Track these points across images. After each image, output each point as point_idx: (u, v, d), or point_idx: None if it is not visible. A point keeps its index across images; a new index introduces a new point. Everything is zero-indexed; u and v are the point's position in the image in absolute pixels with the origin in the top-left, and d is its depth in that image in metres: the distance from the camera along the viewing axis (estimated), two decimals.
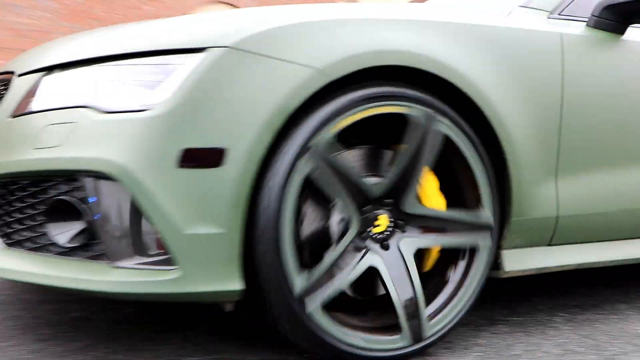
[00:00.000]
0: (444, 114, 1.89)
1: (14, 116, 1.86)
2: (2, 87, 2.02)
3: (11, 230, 1.86)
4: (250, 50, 1.69)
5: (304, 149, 1.71)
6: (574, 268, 2.31)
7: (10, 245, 1.85)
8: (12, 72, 2.00)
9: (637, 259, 2.47)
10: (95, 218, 1.67)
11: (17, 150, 1.80)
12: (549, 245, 2.23)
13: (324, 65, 1.72)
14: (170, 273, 1.63)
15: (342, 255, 1.80)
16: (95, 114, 1.68)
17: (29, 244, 1.81)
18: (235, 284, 1.67)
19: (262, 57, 1.69)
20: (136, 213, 1.65)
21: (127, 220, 1.66)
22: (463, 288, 1.98)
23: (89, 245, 1.71)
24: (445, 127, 1.89)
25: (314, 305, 1.73)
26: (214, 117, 1.64)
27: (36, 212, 1.79)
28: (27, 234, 1.82)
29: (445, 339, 2.06)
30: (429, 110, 1.86)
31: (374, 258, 1.85)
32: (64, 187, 1.73)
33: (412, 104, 1.84)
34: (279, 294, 1.69)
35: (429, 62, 1.85)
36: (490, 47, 2.02)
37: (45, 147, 1.72)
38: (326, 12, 1.83)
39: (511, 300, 2.71)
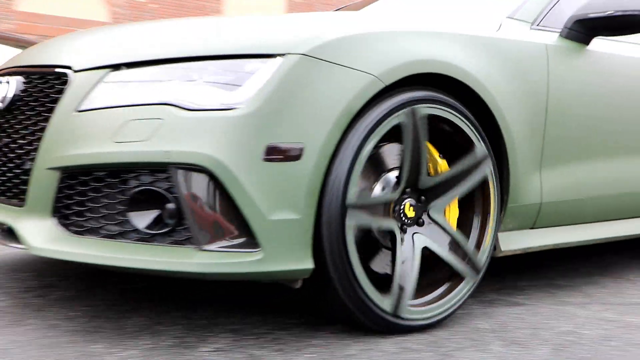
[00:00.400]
0: (464, 115, 2.26)
1: (81, 111, 1.98)
2: (56, 82, 2.10)
3: (81, 219, 1.97)
4: (321, 58, 1.95)
5: (362, 144, 2.00)
6: (551, 248, 2.71)
7: (80, 233, 1.96)
8: (63, 66, 2.09)
9: (605, 238, 2.97)
10: (182, 206, 1.85)
11: (94, 144, 1.92)
12: (532, 228, 2.64)
13: (380, 73, 2.02)
14: (254, 255, 1.86)
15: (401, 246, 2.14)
16: (180, 111, 1.86)
17: (104, 232, 1.93)
18: (308, 264, 1.93)
19: (331, 64, 1.96)
20: (222, 201, 1.85)
21: (214, 208, 1.85)
22: (489, 219, 2.36)
23: (172, 232, 1.88)
24: (465, 125, 2.25)
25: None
26: (292, 117, 1.88)
27: (114, 201, 1.92)
28: (102, 222, 1.94)
29: (280, 341, 2.10)
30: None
31: (420, 238, 2.20)
32: (148, 178, 1.89)
33: (442, 107, 2.20)
34: (342, 273, 1.98)
35: (458, 70, 2.24)
36: (497, 56, 2.41)
37: (129, 141, 1.88)
38: (379, 23, 2.18)
39: None
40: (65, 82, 2.05)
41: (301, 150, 1.87)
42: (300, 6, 16.56)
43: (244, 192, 1.82)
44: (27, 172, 2.05)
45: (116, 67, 2.00)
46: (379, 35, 2.08)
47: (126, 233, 1.91)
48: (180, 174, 1.84)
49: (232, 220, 1.86)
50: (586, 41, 2.73)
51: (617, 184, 2.92)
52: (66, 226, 1.98)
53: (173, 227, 1.88)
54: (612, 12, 2.62)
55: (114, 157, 1.89)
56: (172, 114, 1.86)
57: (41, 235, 1.98)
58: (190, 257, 1.85)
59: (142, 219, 1.89)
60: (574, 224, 2.83)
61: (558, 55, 2.60)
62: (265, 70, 1.89)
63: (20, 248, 2.03)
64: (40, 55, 2.27)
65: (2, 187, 2.18)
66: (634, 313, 2.57)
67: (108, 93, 1.97)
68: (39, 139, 2.03)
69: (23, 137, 2.11)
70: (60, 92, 2.04)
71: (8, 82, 2.21)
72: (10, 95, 2.17)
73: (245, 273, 1.87)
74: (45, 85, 2.11)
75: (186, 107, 1.86)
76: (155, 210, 1.88)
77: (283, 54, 1.91)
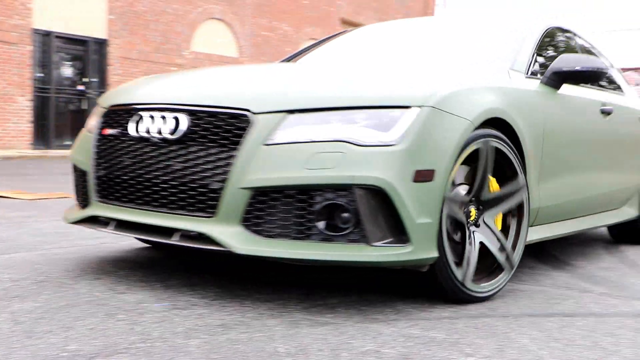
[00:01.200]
0: (513, 150, 3.16)
1: (268, 144, 2.62)
2: (235, 121, 2.68)
3: (272, 225, 2.61)
4: (441, 109, 2.77)
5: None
6: (540, 241, 3.68)
7: (271, 236, 2.60)
8: (242, 109, 2.68)
9: (579, 230, 4.22)
10: (358, 214, 2.56)
11: (286, 170, 2.57)
12: (531, 226, 3.50)
13: (472, 118, 2.88)
14: (406, 248, 2.63)
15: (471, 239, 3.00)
16: (354, 147, 2.58)
17: (293, 235, 2.59)
18: (435, 253, 2.73)
19: (447, 113, 2.78)
20: (386, 210, 2.60)
21: (381, 215, 2.60)
22: (521, 230, 3.26)
23: (349, 233, 2.59)
24: (512, 157, 3.16)
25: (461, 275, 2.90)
26: (428, 150, 2.67)
27: (303, 211, 2.59)
28: (292, 227, 2.59)
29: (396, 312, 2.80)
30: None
31: (477, 235, 3.04)
32: (331, 195, 2.58)
33: (501, 142, 3.09)
34: (441, 254, 2.79)
35: (506, 115, 3.16)
36: (518, 101, 3.34)
37: (319, 167, 2.55)
38: (465, 80, 3.07)
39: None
40: (247, 122, 2.66)
41: (434, 172, 2.67)
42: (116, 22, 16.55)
43: (403, 204, 2.59)
44: (216, 191, 2.63)
45: (291, 112, 2.68)
46: (469, 90, 2.98)
47: (312, 235, 2.60)
48: (359, 191, 2.57)
49: (392, 223, 2.62)
50: (558, 87, 3.77)
51: (584, 190, 4.13)
52: (257, 232, 2.62)
53: (349, 230, 2.60)
54: (579, 68, 3.68)
55: (308, 180, 2.56)
56: (349, 149, 2.58)
57: (238, 239, 2.60)
58: (363, 251, 2.59)
59: (326, 225, 2.61)
60: (557, 221, 3.92)
61: (545, 97, 3.62)
62: (406, 117, 2.67)
63: (218, 250, 2.62)
64: (204, 98, 2.80)
65: (184, 202, 2.72)
66: (438, 328, 2.56)
67: (289, 132, 2.64)
68: (227, 165, 2.62)
69: (205, 164, 2.67)
70: (243, 129, 2.64)
71: (176, 118, 2.77)
72: (183, 129, 2.73)
73: (401, 261, 2.64)
74: (223, 123, 2.68)
75: (357, 143, 2.59)
76: (336, 217, 2.61)
77: (419, 106, 2.71)
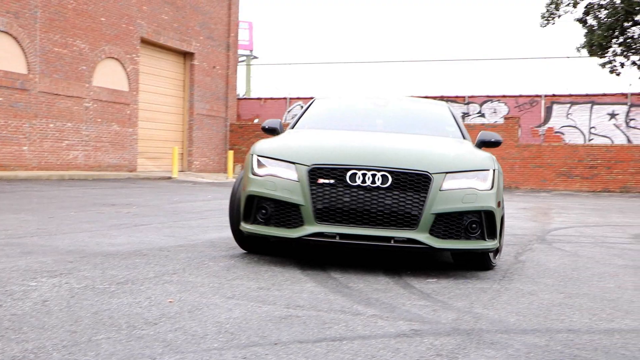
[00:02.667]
0: None
1: (442, 190, 4.84)
2: (422, 178, 4.85)
3: (444, 232, 4.84)
4: (499, 169, 5.41)
5: None
6: None
7: (443, 238, 4.83)
8: (424, 171, 4.88)
9: None
10: (482, 225, 4.94)
11: (454, 204, 4.86)
12: None
13: (499, 169, 5.42)
14: (496, 241, 5.05)
15: None
16: (477, 191, 4.94)
17: (456, 236, 4.86)
18: (498, 244, 5.25)
19: (499, 172, 5.38)
20: (490, 222, 4.99)
21: (489, 225, 5.02)
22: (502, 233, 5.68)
23: (477, 234, 4.94)
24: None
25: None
26: (499, 191, 5.22)
27: (460, 224, 4.85)
28: (454, 232, 4.87)
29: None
30: None
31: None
32: (471, 216, 4.91)
33: None
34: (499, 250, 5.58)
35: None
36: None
37: (468, 202, 4.88)
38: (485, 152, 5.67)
39: None
40: (429, 178, 4.79)
41: (501, 202, 5.03)
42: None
43: (495, 219, 4.95)
44: (416, 215, 4.73)
45: (447, 173, 4.89)
46: (494, 159, 5.38)
47: (462, 235, 4.85)
48: (483, 214, 4.84)
49: (493, 229, 4.94)
50: (480, 147, 5.98)
51: None
52: (437, 236, 4.78)
53: (478, 233, 4.86)
54: (494, 139, 6.11)
55: (464, 208, 4.85)
56: (476, 192, 4.85)
57: (431, 240, 4.76)
58: (482, 243, 4.87)
59: (468, 230, 4.87)
60: None
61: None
62: (490, 175, 4.96)
63: (421, 248, 4.75)
64: (400, 164, 4.81)
65: (395, 221, 4.72)
66: None
67: (449, 183, 4.88)
68: (422, 201, 4.76)
69: (407, 200, 4.75)
70: (428, 182, 4.77)
71: (384, 175, 4.74)
72: (390, 181, 4.71)
73: (494, 248, 5.10)
74: (414, 179, 4.76)
75: (478, 188, 4.88)
76: (473, 227, 4.86)
77: (493, 170, 5.08)
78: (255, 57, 50.32)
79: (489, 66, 36.79)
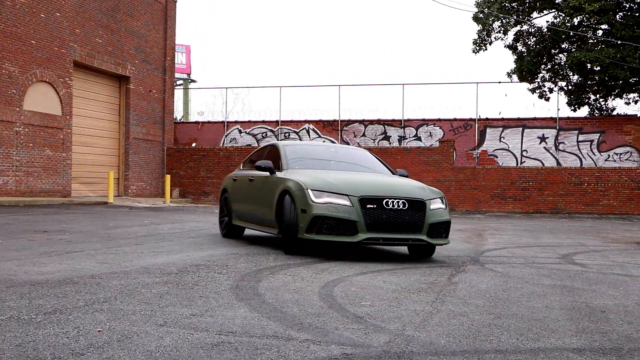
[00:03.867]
0: None
1: (431, 209, 7.98)
2: (422, 203, 7.90)
3: (435, 234, 8.00)
4: (444, 198, 8.75)
5: None
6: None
7: (434, 237, 7.99)
8: (422, 199, 7.96)
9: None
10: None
11: (441, 217, 8.11)
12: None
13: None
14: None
15: None
16: (442, 210, 8.17)
17: (438, 236, 8.12)
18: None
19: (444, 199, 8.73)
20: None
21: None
22: None
23: (444, 235, 8.30)
24: None
25: None
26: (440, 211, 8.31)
27: (443, 228, 8.22)
28: (438, 233, 8.08)
29: None
30: None
31: None
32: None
33: None
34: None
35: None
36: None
37: (442, 216, 8.13)
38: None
39: None
40: (424, 203, 7.85)
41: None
42: None
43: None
44: (422, 225, 7.78)
45: (429, 199, 7.99)
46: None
47: (438, 235, 8.07)
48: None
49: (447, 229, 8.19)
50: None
51: None
52: (431, 237, 7.84)
53: (445, 234, 8.12)
54: (405, 174, 9.22)
55: (448, 219, 8.35)
56: (444, 210, 8.23)
57: (430, 239, 7.80)
58: (444, 240, 8.10)
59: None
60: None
61: None
62: (440, 201, 8.23)
63: (426, 244, 7.77)
64: (412, 194, 7.84)
65: (410, 229, 7.69)
66: None
67: (433, 203, 8.05)
68: (423, 216, 7.77)
69: (417, 216, 7.74)
70: (424, 205, 7.83)
71: (404, 202, 7.67)
72: (407, 205, 7.65)
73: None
74: (419, 204, 7.75)
75: (441, 208, 8.13)
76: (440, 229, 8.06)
77: (441, 197, 8.31)
78: (193, 81, 50.11)
79: (424, 90, 37.56)
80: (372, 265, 7.16)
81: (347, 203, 7.50)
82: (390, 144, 28.27)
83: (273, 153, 9.36)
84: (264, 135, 29.72)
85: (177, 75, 37.47)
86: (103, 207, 19.78)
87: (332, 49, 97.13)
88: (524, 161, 27.24)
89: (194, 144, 30.04)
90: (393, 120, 28.61)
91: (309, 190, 7.65)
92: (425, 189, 8.10)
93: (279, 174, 8.56)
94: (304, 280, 5.78)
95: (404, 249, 9.02)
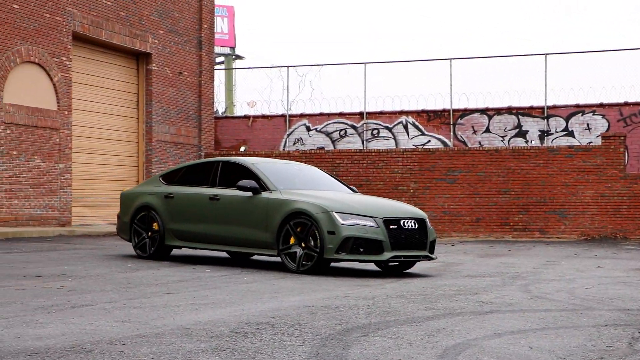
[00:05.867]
0: None
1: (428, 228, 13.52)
2: (423, 221, 12.99)
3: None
4: (425, 218, 13.96)
5: None
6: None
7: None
8: (424, 218, 13.25)
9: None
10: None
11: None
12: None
13: None
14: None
15: None
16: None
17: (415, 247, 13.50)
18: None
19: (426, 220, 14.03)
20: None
21: None
22: None
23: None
24: None
25: None
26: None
27: (417, 237, 13.02)
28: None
29: None
30: None
31: None
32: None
33: None
34: None
35: None
36: None
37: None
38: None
39: None
40: (425, 221, 12.99)
41: None
42: None
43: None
44: (427, 242, 12.77)
45: (424, 218, 13.17)
46: None
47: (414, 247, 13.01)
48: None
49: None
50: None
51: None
52: (431, 252, 13.11)
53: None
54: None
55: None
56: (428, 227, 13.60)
57: (433, 254, 13.26)
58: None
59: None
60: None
61: None
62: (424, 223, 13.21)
63: (430, 259, 12.91)
64: (418, 215, 12.85)
65: (419, 246, 12.55)
66: None
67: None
68: (424, 233, 12.85)
69: (420, 233, 12.72)
70: (425, 222, 12.93)
71: (415, 222, 12.49)
72: (418, 224, 12.56)
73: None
74: (422, 222, 12.69)
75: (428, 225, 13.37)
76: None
77: (423, 218, 13.09)
78: (239, 57, 50.86)
79: (575, 62, 36.69)
80: (508, 319, 7.02)
81: (373, 224, 11.90)
82: (527, 142, 27.96)
83: (234, 172, 13.37)
84: (342, 134, 29.87)
85: (216, 49, 38.01)
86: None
87: (436, 15, 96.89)
88: None
89: (243, 148, 30.39)
90: (531, 108, 28.34)
91: (334, 213, 11.80)
92: (416, 208, 13.43)
93: (270, 195, 12.55)
94: (412, 345, 5.75)
95: (372, 266, 13.60)
